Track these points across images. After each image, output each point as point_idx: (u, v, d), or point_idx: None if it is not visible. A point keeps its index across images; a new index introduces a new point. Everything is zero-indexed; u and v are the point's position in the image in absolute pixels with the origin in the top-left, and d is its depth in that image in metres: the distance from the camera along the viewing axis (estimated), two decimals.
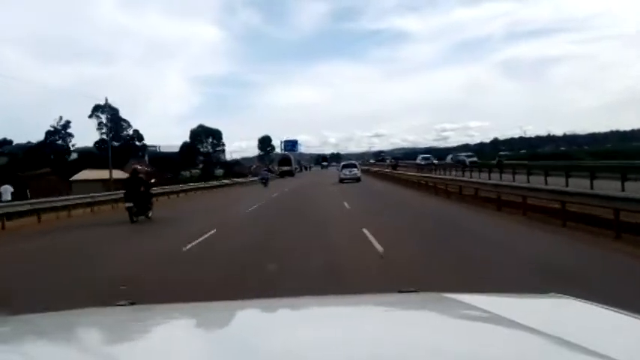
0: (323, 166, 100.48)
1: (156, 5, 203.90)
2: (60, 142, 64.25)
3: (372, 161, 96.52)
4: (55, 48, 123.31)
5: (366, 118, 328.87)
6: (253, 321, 1.33)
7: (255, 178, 46.99)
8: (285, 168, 63.27)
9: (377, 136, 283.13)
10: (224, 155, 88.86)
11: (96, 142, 66.73)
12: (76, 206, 18.53)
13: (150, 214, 14.25)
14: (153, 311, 1.53)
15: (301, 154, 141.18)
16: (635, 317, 1.08)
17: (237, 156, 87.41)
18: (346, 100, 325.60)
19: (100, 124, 66.18)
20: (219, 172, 62.03)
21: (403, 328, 1.15)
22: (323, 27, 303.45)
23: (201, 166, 70.29)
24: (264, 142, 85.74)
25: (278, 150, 79.63)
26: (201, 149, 75.79)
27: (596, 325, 1.11)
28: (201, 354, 0.99)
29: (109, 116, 65.41)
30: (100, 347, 1.11)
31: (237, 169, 68.59)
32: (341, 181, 33.06)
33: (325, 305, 1.57)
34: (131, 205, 13.66)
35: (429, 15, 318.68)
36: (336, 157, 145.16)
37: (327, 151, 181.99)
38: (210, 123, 78.99)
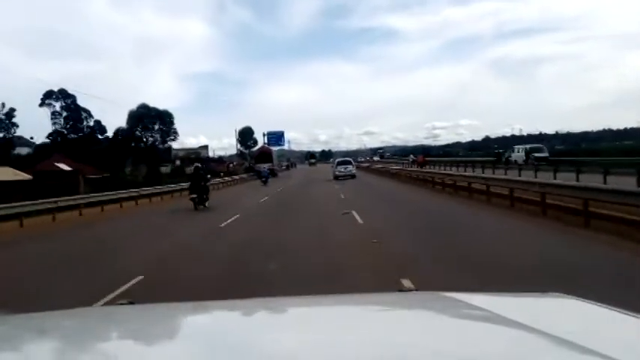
0: (311, 164, 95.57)
1: (145, 1, 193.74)
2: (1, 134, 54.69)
3: (375, 158, 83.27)
4: (40, 42, 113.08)
5: (356, 116, 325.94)
6: (252, 320, 1.31)
7: (237, 177, 43.23)
8: (264, 166, 46.01)
9: (367, 134, 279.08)
10: (206, 151, 78.44)
11: (49, 135, 57.61)
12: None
13: (207, 204, 17.08)
14: (152, 311, 1.51)
15: (291, 152, 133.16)
16: (635, 316, 1.06)
17: (223, 153, 77.04)
18: (336, 98, 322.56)
19: (53, 113, 57.09)
20: (191, 169, 52.65)
21: (402, 327, 1.14)
22: (314, 25, 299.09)
23: (178, 163, 59.89)
24: (245, 136, 70.82)
25: (262, 145, 63.45)
26: (147, 136, 59.13)
27: (596, 324, 1.10)
28: (201, 354, 0.97)
29: (64, 104, 56.90)
30: (100, 346, 1.09)
31: (214, 166, 57.90)
32: (336, 177, 31.93)
33: (324, 305, 1.52)
34: (195, 196, 16.73)
35: (419, 14, 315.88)
36: (327, 155, 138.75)
37: (317, 148, 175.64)
38: (198, 119, 65.76)
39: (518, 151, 33.69)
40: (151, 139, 59.95)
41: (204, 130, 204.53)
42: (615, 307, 1.12)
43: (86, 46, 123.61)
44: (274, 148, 59.21)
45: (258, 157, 54.19)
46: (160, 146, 60.17)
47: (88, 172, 32.62)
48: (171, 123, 61.07)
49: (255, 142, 71.91)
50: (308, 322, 1.26)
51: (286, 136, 64.90)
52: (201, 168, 18.74)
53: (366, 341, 1.00)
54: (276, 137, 59.33)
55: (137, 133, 58.90)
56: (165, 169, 51.92)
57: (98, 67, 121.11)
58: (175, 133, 62.06)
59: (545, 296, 1.37)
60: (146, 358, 0.98)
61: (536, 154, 30.68)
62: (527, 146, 33.91)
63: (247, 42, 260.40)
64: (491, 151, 46.06)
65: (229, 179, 39.20)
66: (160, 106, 61.07)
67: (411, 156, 50.29)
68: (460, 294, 1.36)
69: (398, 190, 22.32)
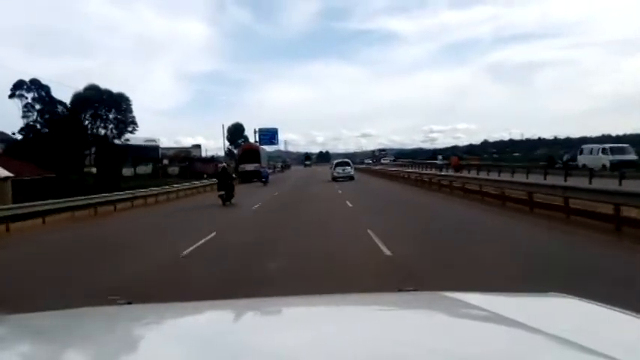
0: (306, 165, 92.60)
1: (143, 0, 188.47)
2: None
3: (385, 160, 69.94)
4: (37, 39, 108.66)
5: (353, 118, 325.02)
6: (251, 320, 1.31)
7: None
8: (250, 167, 38.06)
9: (364, 136, 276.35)
10: (199, 150, 72.27)
11: (21, 129, 52.55)
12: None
13: (232, 200, 18.96)
14: (151, 310, 1.52)
15: (288, 153, 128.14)
16: (635, 316, 1.06)
17: (218, 153, 69.76)
18: (334, 100, 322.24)
19: (26, 106, 52.04)
20: (174, 169, 47.22)
21: (403, 327, 1.13)
22: (313, 26, 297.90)
23: (165, 162, 53.66)
24: (235, 133, 62.79)
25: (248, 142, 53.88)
26: (98, 126, 47.44)
27: (596, 324, 1.09)
28: (199, 354, 0.96)
29: (37, 96, 51.90)
30: (99, 346, 1.07)
31: (200, 167, 52.16)
32: (334, 179, 31.96)
33: (324, 305, 1.50)
34: (223, 193, 18.76)
35: (419, 17, 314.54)
36: (324, 156, 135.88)
37: (314, 150, 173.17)
38: (196, 119, 55.30)
39: (592, 153, 25.79)
40: (102, 130, 48.76)
41: (202, 131, 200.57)
42: (615, 307, 1.10)
43: (81, 43, 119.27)
44: (268, 148, 52.49)
45: (243, 156, 42.56)
46: (117, 141, 49.62)
47: (30, 173, 27.33)
48: (129, 110, 48.94)
49: (246, 141, 61.61)
50: (308, 321, 1.24)
51: (283, 137, 59.13)
52: (227, 168, 21.24)
53: (366, 341, 0.98)
54: (269, 135, 51.32)
55: (87, 121, 47.78)
56: (145, 169, 47.13)
57: (91, 65, 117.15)
58: (134, 123, 49.48)
59: (545, 296, 1.35)
60: (144, 358, 0.96)
61: (619, 157, 23.66)
62: (607, 146, 25.91)
63: (245, 42, 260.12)
64: (490, 154, 39.57)
65: (199, 184, 31.81)
66: (153, 104, 54.36)
67: (439, 157, 40.49)
68: (460, 294, 1.33)
69: (466, 214, 12.44)
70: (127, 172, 45.39)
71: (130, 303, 1.47)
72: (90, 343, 1.09)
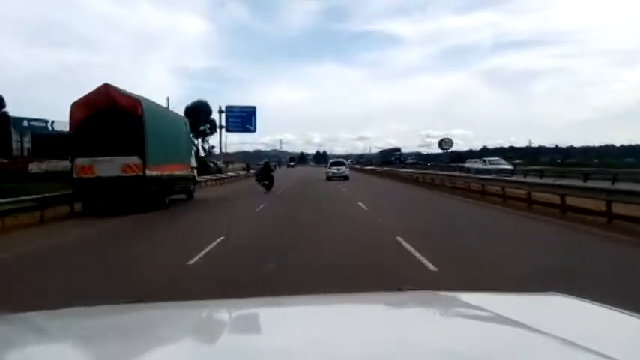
0: (289, 166, 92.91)
1: None
2: None
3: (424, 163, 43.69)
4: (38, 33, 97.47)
5: (351, 121, 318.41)
6: (253, 319, 1.32)
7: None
8: (107, 169, 13.13)
9: (361, 139, 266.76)
10: None
11: None
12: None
13: (271, 189, 23.00)
14: (153, 310, 1.51)
15: (282, 152, 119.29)
16: (635, 316, 1.06)
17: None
18: (332, 102, 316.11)
19: None
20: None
21: (402, 326, 1.13)
22: (312, 27, 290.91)
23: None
24: (198, 116, 38.72)
25: (225, 131, 36.43)
26: None
27: (596, 324, 1.09)
28: (202, 353, 0.97)
29: None
30: (101, 346, 1.07)
31: None
32: (328, 178, 32.39)
33: (324, 304, 1.50)
34: (266, 182, 23.02)
35: (418, 21, 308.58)
36: (320, 157, 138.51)
37: (311, 150, 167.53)
38: (192, 116, 31.87)
39: None
40: None
41: (194, 128, 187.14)
42: (615, 307, 1.10)
43: (80, 36, 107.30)
44: (248, 137, 36.20)
45: (82, 131, 13.81)
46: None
47: None
48: None
49: (213, 126, 39.58)
50: (308, 321, 1.24)
51: (280, 137, 41.59)
52: (269, 162, 26.41)
53: (365, 340, 0.98)
54: (243, 117, 33.74)
55: None
56: (64, 165, 34.08)
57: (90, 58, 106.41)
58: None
59: (544, 295, 1.34)
60: (146, 357, 0.96)
61: None
62: None
63: (242, 41, 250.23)
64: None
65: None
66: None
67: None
68: (460, 293, 1.33)
69: None
70: (34, 167, 32.00)
71: (133, 302, 1.45)
72: (92, 342, 1.07)
